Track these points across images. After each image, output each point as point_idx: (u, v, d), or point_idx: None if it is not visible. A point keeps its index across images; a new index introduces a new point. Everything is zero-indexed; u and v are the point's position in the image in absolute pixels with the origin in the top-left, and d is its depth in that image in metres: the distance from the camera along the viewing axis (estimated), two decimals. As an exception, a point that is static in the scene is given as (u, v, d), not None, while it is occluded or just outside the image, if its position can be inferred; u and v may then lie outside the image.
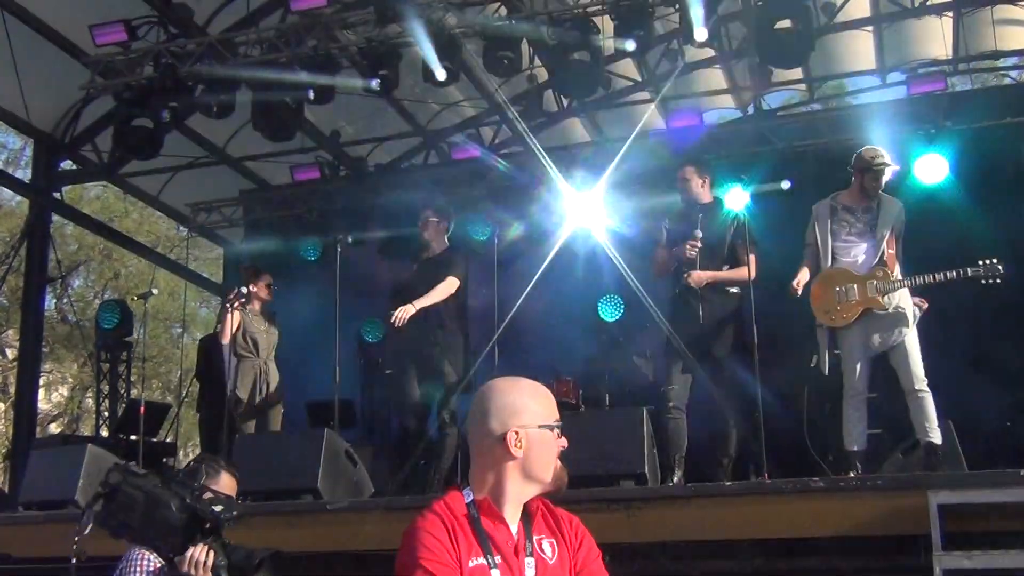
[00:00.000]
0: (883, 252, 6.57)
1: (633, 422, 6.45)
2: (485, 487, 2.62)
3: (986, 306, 10.14)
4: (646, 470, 6.20)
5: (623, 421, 6.63)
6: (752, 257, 7.13)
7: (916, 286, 6.52)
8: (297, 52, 10.09)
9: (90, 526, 3.00)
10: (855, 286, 6.52)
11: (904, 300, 6.51)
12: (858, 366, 6.48)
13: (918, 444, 6.59)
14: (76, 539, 3.10)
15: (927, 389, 6.29)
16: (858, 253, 6.64)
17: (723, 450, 6.92)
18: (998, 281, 6.49)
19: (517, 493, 2.64)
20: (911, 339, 6.39)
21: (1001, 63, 14.13)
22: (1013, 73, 14.79)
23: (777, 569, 5.66)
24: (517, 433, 2.59)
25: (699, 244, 7.03)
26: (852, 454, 6.44)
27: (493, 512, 2.60)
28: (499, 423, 2.61)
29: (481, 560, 2.51)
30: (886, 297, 6.42)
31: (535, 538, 2.64)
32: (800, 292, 6.72)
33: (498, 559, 2.53)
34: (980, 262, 6.45)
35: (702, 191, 7.35)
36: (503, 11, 9.89)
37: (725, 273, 7.10)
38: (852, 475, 6.23)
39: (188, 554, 2.98)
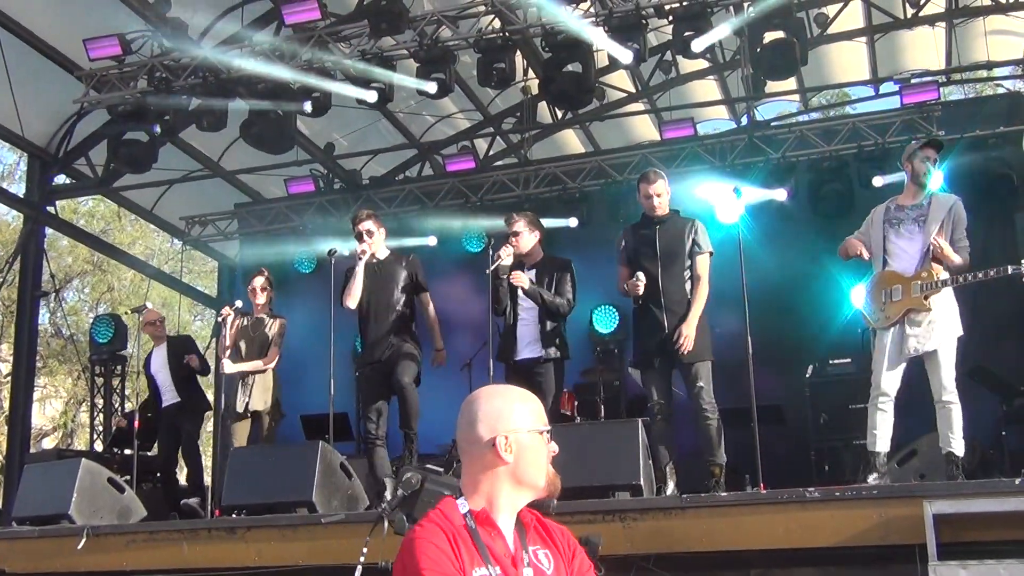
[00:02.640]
0: (931, 252, 6.43)
1: (628, 434, 6.44)
2: (479, 496, 2.59)
3: (982, 317, 10.18)
4: (641, 481, 6.19)
5: (618, 433, 6.61)
6: (703, 260, 7.09)
7: (959, 286, 6.39)
8: (291, 65, 10.11)
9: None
10: (900, 287, 6.41)
11: (946, 303, 6.38)
12: (889, 368, 6.37)
13: (914, 454, 6.58)
14: (366, 544, 3.06)
15: (956, 400, 6.21)
16: (909, 255, 6.52)
17: (711, 458, 6.87)
18: None
19: (510, 500, 2.61)
20: (946, 348, 6.28)
21: (994, 73, 14.20)
22: (1006, 83, 14.87)
23: (773, 580, 5.66)
24: (507, 438, 2.56)
25: (641, 283, 6.98)
26: (875, 455, 6.34)
27: (489, 522, 2.57)
28: (487, 429, 2.58)
29: (483, 571, 2.46)
30: (930, 299, 6.32)
31: (531, 549, 2.61)
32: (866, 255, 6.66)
33: (498, 570, 2.49)
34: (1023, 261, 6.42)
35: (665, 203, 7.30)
36: (496, 23, 9.91)
37: (695, 315, 6.97)
38: (875, 477, 6.19)
39: None
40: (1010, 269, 6.30)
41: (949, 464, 6.15)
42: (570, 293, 7.79)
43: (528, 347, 7.69)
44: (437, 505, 2.60)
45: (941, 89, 12.35)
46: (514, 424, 2.59)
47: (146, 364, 10.12)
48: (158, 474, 10.39)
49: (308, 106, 10.31)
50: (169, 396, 9.76)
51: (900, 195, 6.78)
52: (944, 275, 6.36)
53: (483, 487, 2.60)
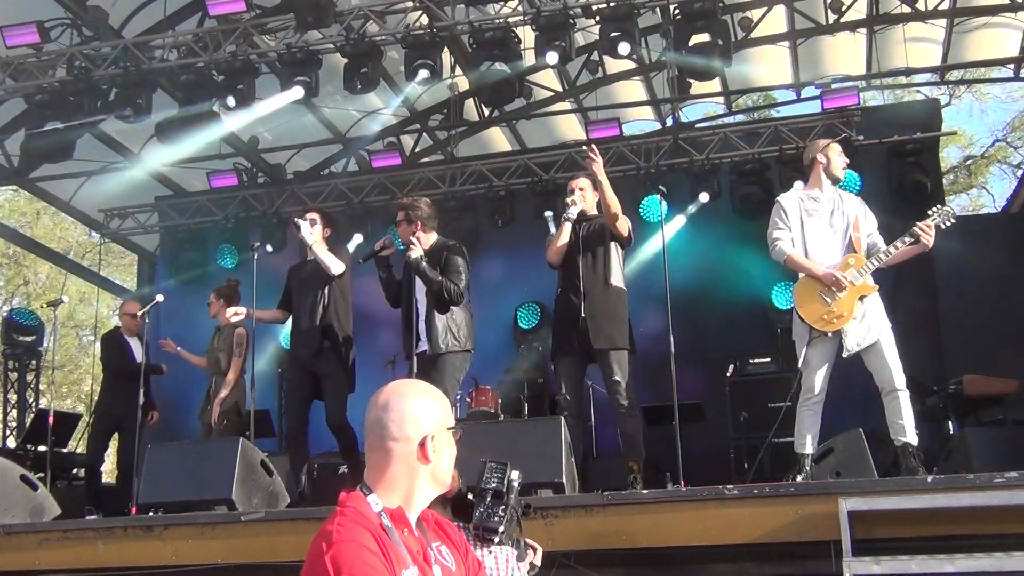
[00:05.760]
0: (851, 238, 6.39)
1: (551, 431, 6.45)
2: (394, 493, 2.53)
3: (894, 317, 10.39)
4: (564, 479, 6.21)
5: (541, 430, 6.61)
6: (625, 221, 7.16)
7: (885, 263, 6.33)
8: (215, 57, 9.98)
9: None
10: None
11: (875, 295, 6.32)
12: (823, 370, 6.29)
13: (830, 452, 6.66)
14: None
15: (906, 388, 6.17)
16: (830, 248, 6.40)
17: (629, 452, 6.91)
18: (952, 222, 6.37)
19: (424, 499, 2.59)
20: (887, 337, 6.25)
21: (912, 79, 14.51)
22: (924, 89, 15.19)
23: (691, 576, 5.72)
24: (433, 438, 2.54)
25: (576, 201, 7.11)
26: (804, 457, 6.30)
27: (404, 520, 2.53)
28: (416, 429, 2.53)
29: (407, 572, 2.41)
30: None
31: (434, 545, 2.60)
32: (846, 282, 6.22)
33: (416, 570, 2.46)
34: (934, 208, 6.39)
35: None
36: (424, 19, 9.88)
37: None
38: (803, 477, 6.18)
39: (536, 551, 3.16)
40: (928, 221, 6.28)
41: (906, 456, 6.07)
42: (460, 278, 7.14)
43: (424, 339, 7.17)
44: (346, 501, 2.51)
45: (861, 94, 12.59)
46: (437, 424, 2.58)
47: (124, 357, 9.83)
48: (81, 471, 10.15)
49: (231, 100, 10.17)
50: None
51: (805, 186, 6.69)
52: (869, 259, 6.31)
53: (400, 485, 2.54)
